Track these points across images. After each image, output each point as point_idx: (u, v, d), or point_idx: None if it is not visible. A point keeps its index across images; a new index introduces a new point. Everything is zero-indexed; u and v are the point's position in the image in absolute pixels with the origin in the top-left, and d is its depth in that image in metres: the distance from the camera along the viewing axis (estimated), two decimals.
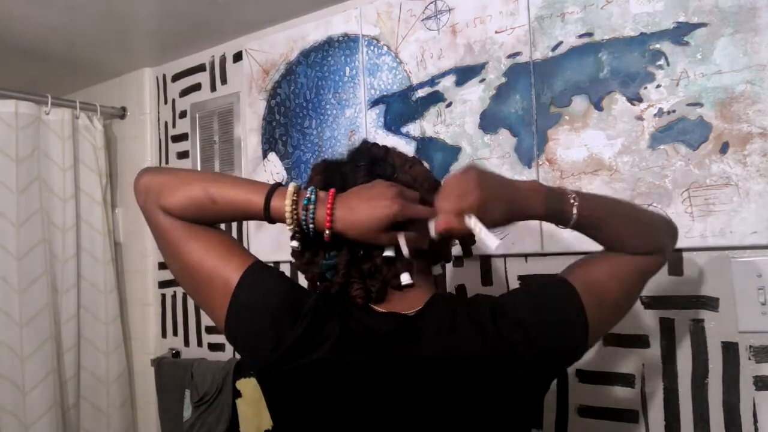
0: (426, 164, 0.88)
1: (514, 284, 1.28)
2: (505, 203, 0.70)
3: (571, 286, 0.72)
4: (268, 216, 0.71)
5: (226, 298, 0.72)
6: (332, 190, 0.71)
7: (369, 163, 0.79)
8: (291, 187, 0.70)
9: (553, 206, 0.73)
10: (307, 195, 0.70)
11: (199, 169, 1.88)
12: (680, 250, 1.09)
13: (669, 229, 0.83)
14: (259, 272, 0.74)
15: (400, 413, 0.68)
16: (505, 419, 0.70)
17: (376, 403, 0.69)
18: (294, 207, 0.69)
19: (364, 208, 0.68)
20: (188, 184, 0.73)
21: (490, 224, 0.68)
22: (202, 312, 1.87)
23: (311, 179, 0.79)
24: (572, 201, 0.73)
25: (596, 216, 0.75)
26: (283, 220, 0.71)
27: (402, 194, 0.69)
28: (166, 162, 1.99)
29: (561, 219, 0.74)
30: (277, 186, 0.72)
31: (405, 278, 0.73)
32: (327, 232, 0.69)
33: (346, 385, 0.69)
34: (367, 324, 0.71)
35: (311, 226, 0.69)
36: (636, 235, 0.76)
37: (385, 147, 0.83)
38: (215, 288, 0.73)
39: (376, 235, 0.69)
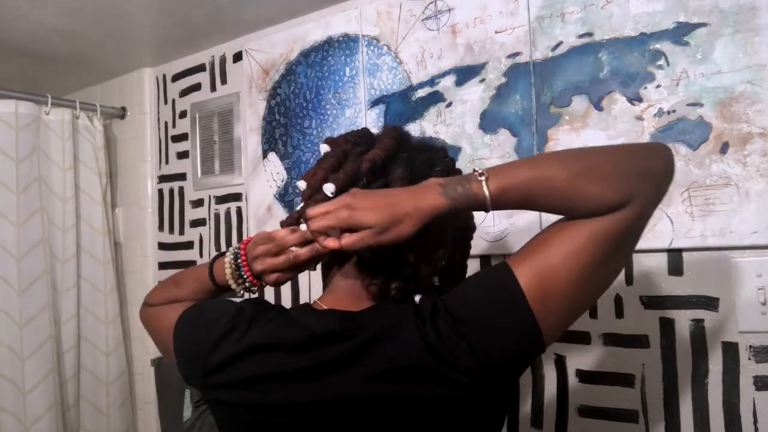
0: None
1: None
2: (384, 207, 0.62)
3: (513, 279, 0.61)
4: (215, 283, 0.83)
5: (170, 335, 0.80)
6: (243, 245, 0.80)
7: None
8: (228, 255, 0.79)
9: (453, 193, 0.61)
10: (230, 259, 0.79)
11: (198, 168, 1.88)
12: (680, 250, 1.09)
13: (649, 165, 0.62)
14: (198, 304, 0.82)
15: (337, 425, 0.65)
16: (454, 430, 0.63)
17: (311, 409, 0.66)
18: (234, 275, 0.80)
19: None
20: (164, 285, 0.91)
21: (372, 233, 0.62)
22: None
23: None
24: (480, 178, 0.61)
25: (521, 187, 0.61)
26: (227, 285, 0.81)
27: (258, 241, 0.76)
28: (166, 162, 1.99)
29: (475, 204, 0.62)
30: (217, 257, 0.83)
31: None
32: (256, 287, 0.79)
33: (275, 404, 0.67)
34: (304, 323, 0.68)
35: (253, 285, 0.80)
36: (587, 193, 0.59)
37: (405, 150, 0.77)
38: (167, 334, 0.81)
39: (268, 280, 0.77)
